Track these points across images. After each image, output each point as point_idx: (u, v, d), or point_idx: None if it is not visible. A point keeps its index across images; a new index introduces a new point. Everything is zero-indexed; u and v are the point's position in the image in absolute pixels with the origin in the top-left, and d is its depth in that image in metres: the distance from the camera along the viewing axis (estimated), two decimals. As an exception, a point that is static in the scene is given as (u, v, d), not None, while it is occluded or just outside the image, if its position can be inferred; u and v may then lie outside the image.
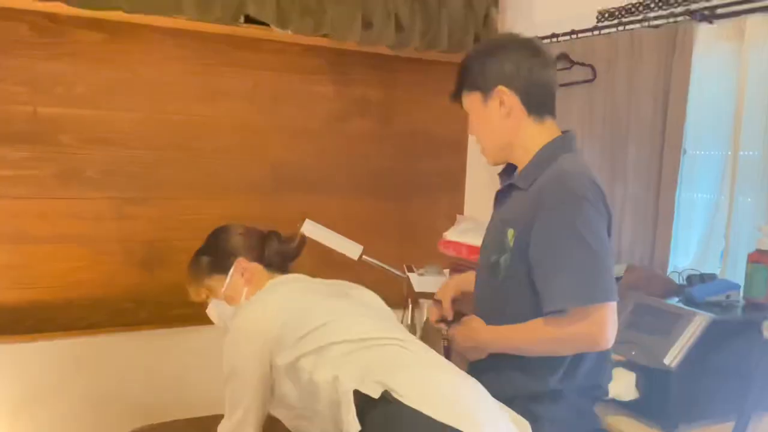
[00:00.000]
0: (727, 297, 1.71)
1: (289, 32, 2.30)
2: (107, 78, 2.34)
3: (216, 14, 2.14)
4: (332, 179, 2.76)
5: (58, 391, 2.28)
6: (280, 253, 1.76)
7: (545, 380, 1.40)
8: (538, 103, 1.45)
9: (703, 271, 1.90)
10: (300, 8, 2.27)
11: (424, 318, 2.67)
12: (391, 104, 2.86)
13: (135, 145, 2.40)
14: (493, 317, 1.47)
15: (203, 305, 1.83)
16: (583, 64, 2.28)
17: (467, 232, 2.38)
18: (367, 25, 2.42)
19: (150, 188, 2.45)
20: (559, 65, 2.38)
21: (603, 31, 2.25)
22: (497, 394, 1.35)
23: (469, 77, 1.49)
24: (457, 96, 1.53)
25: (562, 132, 1.48)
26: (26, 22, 2.21)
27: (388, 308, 1.70)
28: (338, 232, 2.64)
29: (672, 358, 1.55)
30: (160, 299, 2.48)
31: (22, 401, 2.23)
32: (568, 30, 2.36)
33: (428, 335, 2.50)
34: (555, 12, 2.52)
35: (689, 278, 1.89)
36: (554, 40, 2.41)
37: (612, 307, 1.32)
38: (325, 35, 2.35)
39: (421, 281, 2.57)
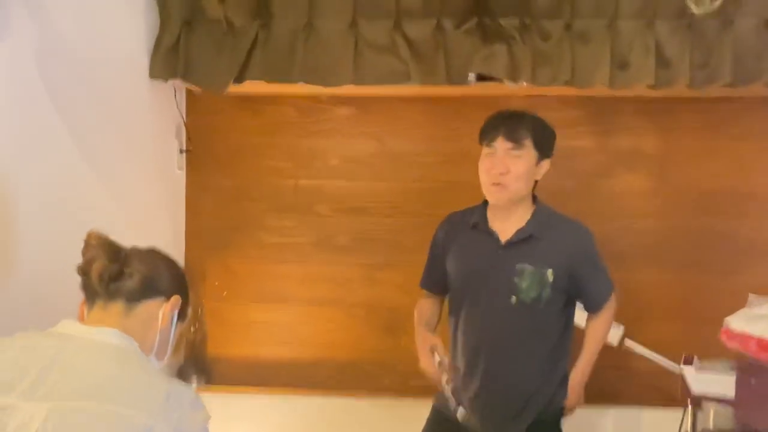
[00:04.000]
0: None
1: (524, 85, 2.10)
2: (357, 149, 2.47)
3: (441, 77, 2.07)
4: (592, 245, 2.39)
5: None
6: None
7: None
8: None
9: None
10: (533, 57, 2.05)
11: (710, 426, 2.08)
12: (669, 154, 2.39)
13: (382, 213, 2.47)
14: (527, 340, 1.86)
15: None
16: None
17: (760, 320, 1.78)
18: (620, 64, 2.06)
19: (396, 254, 2.47)
20: None
21: None
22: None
23: (542, 138, 1.87)
24: (523, 140, 1.83)
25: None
26: (293, 105, 2.49)
27: None
28: (597, 308, 2.27)
29: None
30: (403, 367, 2.44)
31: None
32: None
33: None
34: None
35: None
36: None
37: None
38: (566, 83, 2.08)
39: (699, 379, 2.02)
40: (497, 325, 1.86)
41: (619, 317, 2.25)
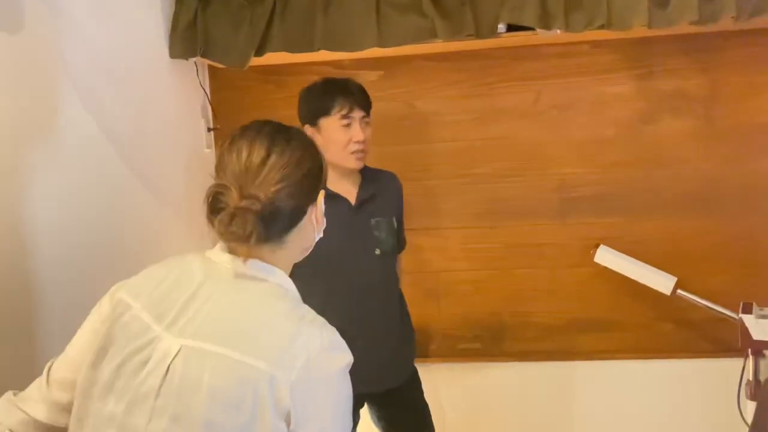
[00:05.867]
0: None
1: (558, 32, 1.99)
2: (386, 113, 2.36)
3: (468, 31, 1.97)
4: (636, 195, 2.30)
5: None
6: None
7: None
8: None
9: None
10: (565, 2, 1.93)
11: (773, 373, 2.02)
12: (717, 94, 2.25)
13: (414, 177, 2.38)
14: (390, 286, 2.00)
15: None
16: None
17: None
18: (659, 1, 1.93)
19: (434, 218, 2.42)
20: None
21: None
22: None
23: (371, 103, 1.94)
24: (370, 107, 1.93)
25: None
26: (317, 74, 2.39)
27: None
28: (646, 260, 2.21)
29: None
30: (450, 331, 2.43)
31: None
32: None
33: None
34: None
35: None
36: None
37: None
38: (602, 26, 1.96)
39: (761, 326, 1.96)
40: (370, 281, 1.92)
41: (671, 268, 2.20)
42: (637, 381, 2.35)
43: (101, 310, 1.10)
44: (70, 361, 1.10)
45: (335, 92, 1.86)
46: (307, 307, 1.09)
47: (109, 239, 1.73)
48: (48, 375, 1.11)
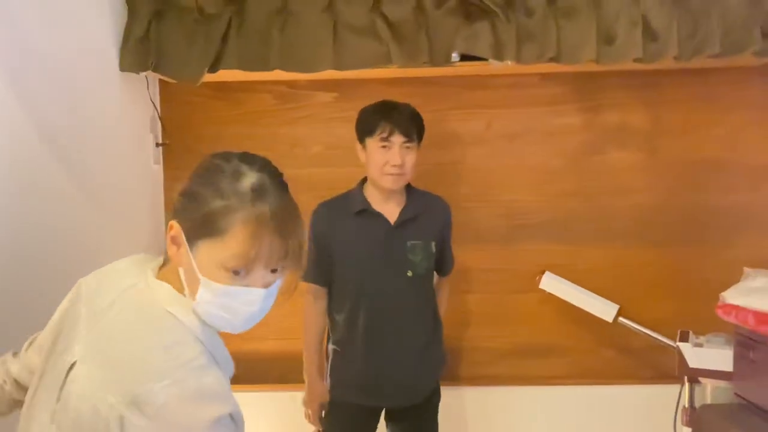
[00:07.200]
0: None
1: (509, 63, 2.04)
2: (340, 135, 2.39)
3: (423, 58, 2.00)
4: (582, 224, 2.37)
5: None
6: None
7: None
8: None
9: None
10: (517, 35, 1.99)
11: (708, 401, 2.08)
12: (658, 128, 2.36)
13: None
14: (420, 306, 2.04)
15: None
16: None
17: (756, 292, 1.76)
18: (606, 39, 2.01)
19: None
20: None
21: None
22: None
23: (422, 130, 2.03)
24: (414, 134, 1.98)
25: None
26: (270, 92, 2.41)
27: None
28: (591, 287, 2.27)
29: None
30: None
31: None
32: None
33: (705, 419, 1.92)
34: None
35: None
36: None
37: None
38: (552, 59, 2.02)
39: (697, 354, 2.02)
40: (398, 300, 1.99)
41: (612, 295, 2.25)
42: (578, 406, 2.39)
43: (68, 296, 1.14)
44: (37, 345, 1.17)
45: (380, 115, 1.97)
46: (193, 346, 0.97)
47: (44, 250, 1.65)
48: (19, 355, 1.21)
